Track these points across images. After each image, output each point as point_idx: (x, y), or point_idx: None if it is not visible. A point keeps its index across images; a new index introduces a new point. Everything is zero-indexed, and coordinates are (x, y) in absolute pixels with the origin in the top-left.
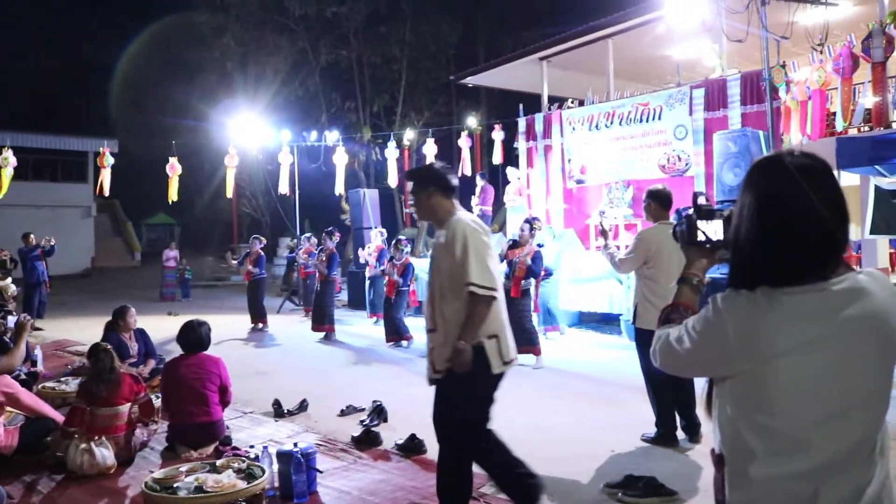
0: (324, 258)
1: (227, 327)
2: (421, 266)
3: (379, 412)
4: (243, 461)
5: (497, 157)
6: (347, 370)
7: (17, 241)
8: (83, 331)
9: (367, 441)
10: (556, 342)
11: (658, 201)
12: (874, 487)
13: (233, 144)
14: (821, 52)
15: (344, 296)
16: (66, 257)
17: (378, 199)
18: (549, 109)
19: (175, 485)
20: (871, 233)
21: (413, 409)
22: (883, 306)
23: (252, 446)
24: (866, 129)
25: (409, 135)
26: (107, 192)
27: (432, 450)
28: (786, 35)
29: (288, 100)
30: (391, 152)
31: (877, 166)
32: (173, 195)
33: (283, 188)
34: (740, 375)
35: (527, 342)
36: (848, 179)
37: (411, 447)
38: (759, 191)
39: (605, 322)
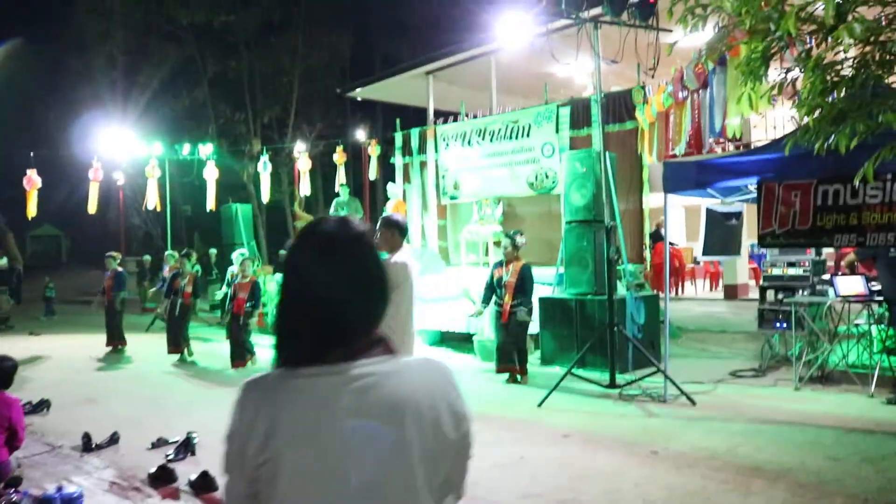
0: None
1: (81, 348)
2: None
3: (186, 445)
4: None
5: (373, 173)
6: (183, 396)
7: None
8: None
9: (161, 478)
10: None
11: (400, 231)
12: None
13: (97, 157)
14: (652, 77)
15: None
16: None
17: (251, 214)
18: (436, 124)
19: None
20: (704, 254)
21: None
22: (416, 396)
23: (19, 490)
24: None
25: (299, 147)
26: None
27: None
28: (616, 59)
29: (174, 110)
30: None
31: (709, 189)
32: (32, 210)
33: (152, 203)
34: (256, 475)
35: None
36: (691, 201)
37: (202, 485)
38: (287, 261)
39: (466, 341)
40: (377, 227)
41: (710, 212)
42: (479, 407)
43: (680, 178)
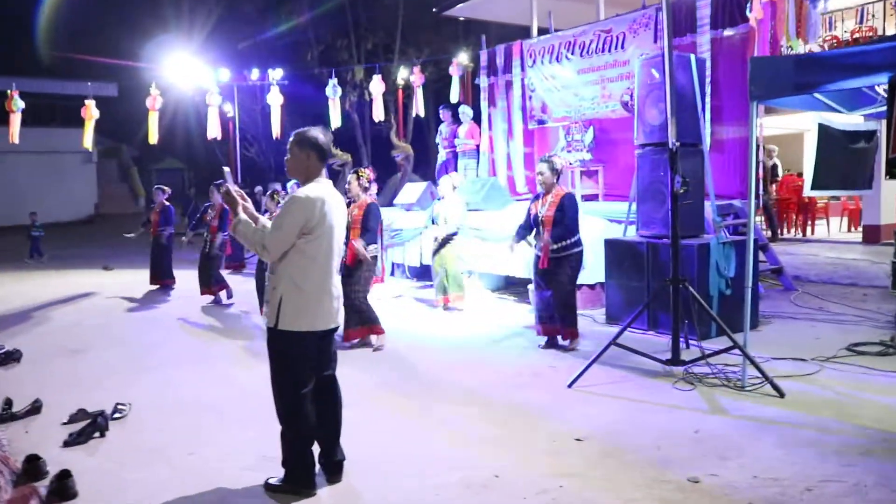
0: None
1: (138, 284)
2: None
3: (95, 424)
4: None
5: (454, 95)
6: (172, 350)
7: (20, 187)
8: None
9: (28, 472)
10: (447, 315)
11: (318, 152)
12: None
13: (155, 84)
14: None
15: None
16: (68, 204)
17: None
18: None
19: None
20: (814, 186)
21: (161, 417)
22: None
23: None
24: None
25: (402, 73)
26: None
27: (91, 490)
28: None
29: (272, 38)
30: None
31: (821, 97)
32: (87, 143)
33: (213, 132)
34: None
35: None
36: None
37: (57, 489)
38: None
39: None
40: (288, 146)
41: (824, 129)
42: (492, 385)
43: (771, 79)
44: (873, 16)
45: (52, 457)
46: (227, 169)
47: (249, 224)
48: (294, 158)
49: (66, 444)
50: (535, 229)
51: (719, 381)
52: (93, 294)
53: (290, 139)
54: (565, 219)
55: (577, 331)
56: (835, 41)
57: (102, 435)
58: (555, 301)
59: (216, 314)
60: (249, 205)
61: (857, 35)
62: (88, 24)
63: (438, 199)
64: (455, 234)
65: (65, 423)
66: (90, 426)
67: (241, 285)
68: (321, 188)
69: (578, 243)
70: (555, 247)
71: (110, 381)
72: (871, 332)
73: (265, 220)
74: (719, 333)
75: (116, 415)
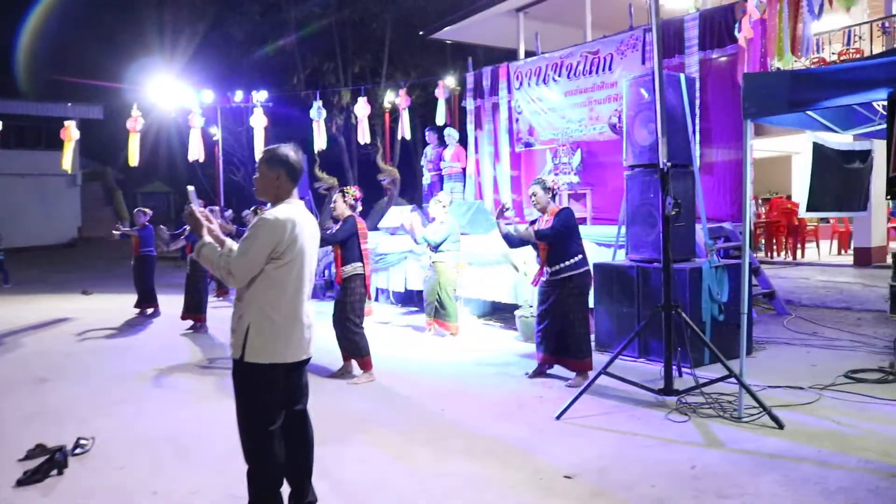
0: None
1: (118, 311)
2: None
3: (52, 461)
4: None
5: (440, 118)
6: (146, 378)
7: (2, 209)
8: None
9: None
10: (433, 341)
11: (288, 171)
12: None
13: (136, 106)
14: None
15: None
16: (51, 227)
17: (306, 166)
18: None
19: None
20: (809, 208)
21: (125, 453)
22: None
23: None
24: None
25: (388, 96)
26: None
27: None
28: None
29: (259, 60)
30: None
31: (816, 115)
32: (66, 164)
33: (195, 154)
34: None
35: None
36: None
37: None
38: None
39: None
40: (257, 165)
41: (818, 148)
42: (475, 416)
43: (765, 96)
44: (860, 37)
45: (3, 497)
46: (191, 188)
47: (214, 248)
48: (263, 178)
49: (20, 482)
50: (534, 251)
51: (715, 412)
52: (69, 320)
53: (260, 157)
54: (557, 229)
55: (587, 363)
56: (822, 63)
57: (61, 472)
58: (557, 329)
59: (194, 342)
60: (215, 226)
61: (844, 57)
62: (74, 46)
63: (430, 222)
64: (437, 248)
65: (21, 460)
66: (47, 463)
67: (226, 311)
68: (292, 210)
69: (580, 264)
70: (551, 269)
71: (75, 413)
72: (868, 358)
73: (231, 243)
74: (713, 361)
75: (78, 450)
